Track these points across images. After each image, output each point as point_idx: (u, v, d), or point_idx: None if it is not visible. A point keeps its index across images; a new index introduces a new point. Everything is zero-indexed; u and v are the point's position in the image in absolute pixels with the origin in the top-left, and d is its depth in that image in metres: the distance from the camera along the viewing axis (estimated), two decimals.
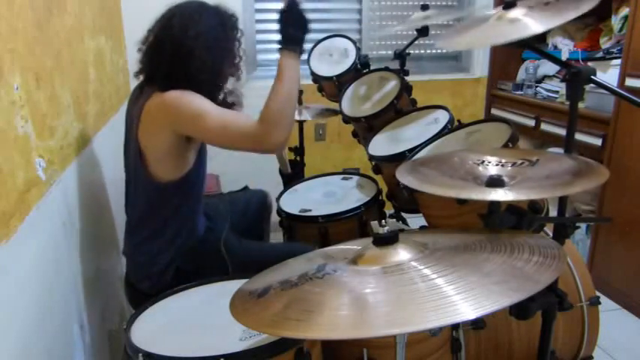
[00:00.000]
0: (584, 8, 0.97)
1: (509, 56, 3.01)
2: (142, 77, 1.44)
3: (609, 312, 2.13)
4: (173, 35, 1.34)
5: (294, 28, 1.36)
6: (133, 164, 1.40)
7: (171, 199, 1.42)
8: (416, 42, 2.03)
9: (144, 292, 1.43)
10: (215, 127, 1.28)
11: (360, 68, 2.11)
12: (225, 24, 1.43)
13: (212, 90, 1.42)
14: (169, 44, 1.34)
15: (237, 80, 1.51)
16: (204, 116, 1.28)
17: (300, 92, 2.20)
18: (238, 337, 1.02)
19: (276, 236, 2.00)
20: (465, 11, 3.06)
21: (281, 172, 2.09)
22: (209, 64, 1.36)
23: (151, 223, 1.43)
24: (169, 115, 1.31)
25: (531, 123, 2.66)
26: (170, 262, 1.44)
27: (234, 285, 0.94)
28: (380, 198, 1.87)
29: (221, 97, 1.47)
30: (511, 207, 0.98)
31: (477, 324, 1.32)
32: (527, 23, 1.02)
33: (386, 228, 0.83)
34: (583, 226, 2.44)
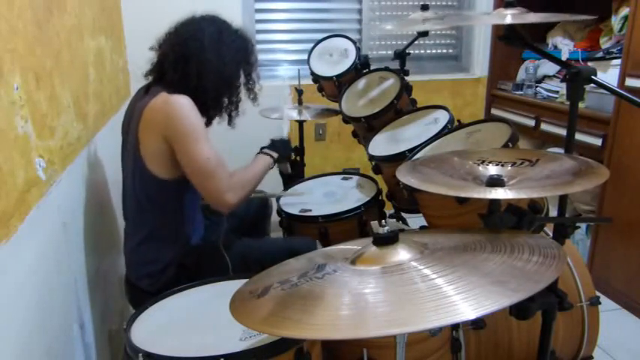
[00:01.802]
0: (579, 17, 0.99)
1: (509, 56, 3.01)
2: (150, 78, 1.45)
3: (609, 312, 2.13)
4: (204, 52, 1.38)
5: (282, 150, 1.66)
6: (131, 161, 1.41)
7: (170, 197, 1.42)
8: (416, 42, 2.03)
9: (144, 290, 1.43)
10: (199, 159, 1.32)
11: (360, 68, 2.11)
12: (247, 48, 1.49)
13: (224, 107, 1.49)
14: (197, 60, 1.38)
15: (254, 101, 1.56)
16: (197, 142, 1.32)
17: (300, 92, 2.21)
18: (238, 337, 1.02)
19: (276, 236, 2.00)
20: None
21: (281, 172, 2.09)
22: (233, 84, 1.46)
23: (151, 222, 1.43)
24: (167, 120, 1.32)
25: (531, 123, 2.66)
26: (170, 261, 1.44)
27: (234, 285, 0.94)
28: (380, 198, 1.87)
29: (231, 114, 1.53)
30: (511, 207, 0.98)
31: (477, 324, 1.32)
32: (508, 17, 1.06)
33: (386, 228, 0.83)
34: (583, 226, 2.44)
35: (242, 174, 1.46)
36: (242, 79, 1.50)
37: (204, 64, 1.38)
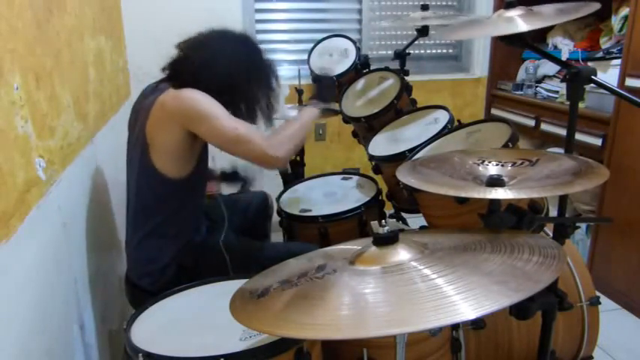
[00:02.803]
0: (582, 13, 0.98)
1: (509, 56, 3.01)
2: (164, 74, 1.46)
3: (609, 312, 2.13)
4: (224, 65, 1.41)
5: (328, 95, 1.71)
6: (138, 159, 1.41)
7: (175, 196, 1.43)
8: (416, 42, 2.03)
9: (144, 290, 1.44)
10: (227, 131, 1.33)
11: (360, 68, 2.11)
12: (270, 76, 1.52)
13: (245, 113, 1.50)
14: (215, 72, 1.40)
15: (269, 125, 1.57)
16: (219, 118, 1.33)
17: (300, 92, 2.21)
18: (238, 337, 1.02)
19: (276, 236, 2.00)
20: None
21: (281, 172, 2.10)
22: (248, 93, 1.48)
23: (154, 220, 1.43)
24: (183, 110, 1.32)
25: (531, 123, 2.66)
26: (171, 260, 1.44)
27: (234, 285, 0.94)
28: (380, 198, 1.87)
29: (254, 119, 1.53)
30: (511, 207, 0.98)
31: (477, 324, 1.32)
32: (518, 22, 1.05)
33: (386, 228, 0.83)
34: (583, 226, 2.44)
35: (283, 130, 1.47)
36: (261, 103, 1.51)
37: (231, 79, 1.41)
